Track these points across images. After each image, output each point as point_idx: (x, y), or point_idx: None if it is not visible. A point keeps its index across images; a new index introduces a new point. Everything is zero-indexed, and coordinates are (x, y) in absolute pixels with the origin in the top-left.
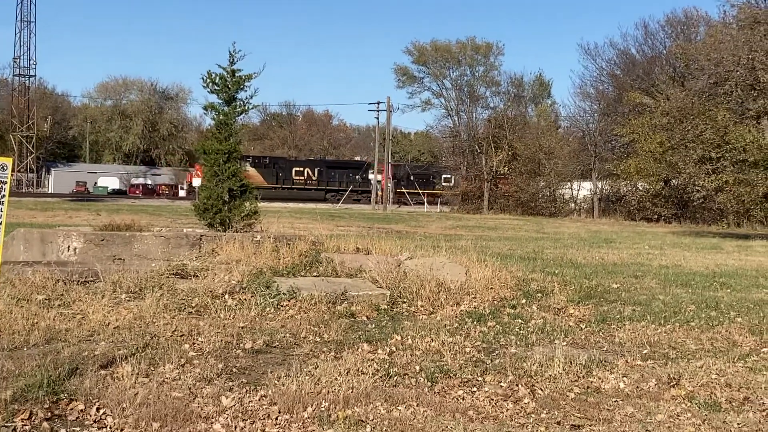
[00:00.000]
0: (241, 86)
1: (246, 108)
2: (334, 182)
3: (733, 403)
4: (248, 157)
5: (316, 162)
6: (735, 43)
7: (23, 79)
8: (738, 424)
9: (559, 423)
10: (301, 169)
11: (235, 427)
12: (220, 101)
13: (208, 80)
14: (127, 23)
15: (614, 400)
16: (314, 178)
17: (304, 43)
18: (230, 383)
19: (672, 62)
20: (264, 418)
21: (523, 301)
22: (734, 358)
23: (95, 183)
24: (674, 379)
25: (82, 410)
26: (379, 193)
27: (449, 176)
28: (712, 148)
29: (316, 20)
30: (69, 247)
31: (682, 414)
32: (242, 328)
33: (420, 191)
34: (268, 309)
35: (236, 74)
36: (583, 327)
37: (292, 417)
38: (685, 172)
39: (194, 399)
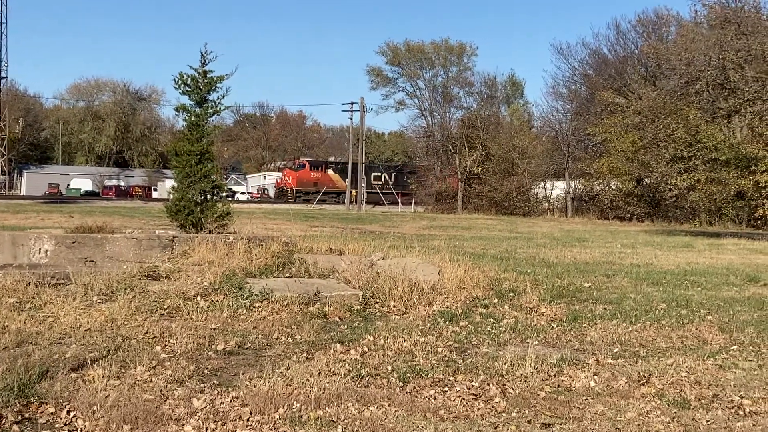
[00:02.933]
0: (213, 87)
1: (218, 109)
2: (408, 186)
3: (703, 401)
4: (332, 162)
5: (391, 167)
6: (706, 43)
7: None
8: (707, 421)
9: (529, 422)
10: (379, 174)
11: (207, 429)
12: (192, 102)
13: (180, 81)
14: (100, 24)
15: (585, 398)
16: (390, 182)
17: (277, 44)
18: (202, 385)
19: (644, 62)
20: (235, 420)
21: (496, 300)
22: (704, 356)
23: (68, 185)
24: (644, 377)
25: (52, 413)
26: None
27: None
28: (684, 147)
29: (289, 21)
30: (40, 249)
31: (651, 412)
32: (214, 329)
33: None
34: (240, 310)
35: (208, 75)
36: (555, 326)
37: (263, 418)
38: (657, 171)
39: (165, 401)
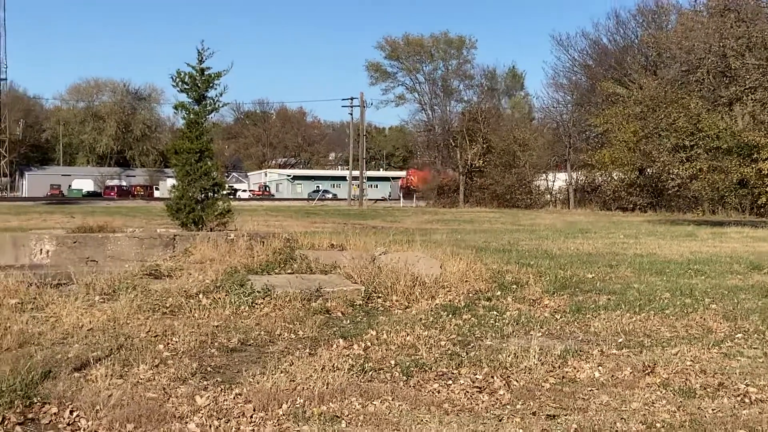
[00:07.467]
0: (211, 84)
1: (216, 106)
2: None
3: (708, 390)
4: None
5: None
6: (706, 31)
7: None
8: (713, 410)
9: (534, 413)
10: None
11: (210, 426)
12: (190, 100)
13: (178, 79)
14: (99, 24)
15: (589, 389)
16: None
17: (276, 42)
18: (205, 382)
19: (644, 51)
20: (239, 417)
21: (498, 293)
22: (709, 345)
23: (69, 186)
24: (649, 366)
25: (55, 413)
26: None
27: None
28: (686, 136)
29: (288, 18)
30: (41, 250)
31: (656, 401)
32: (217, 327)
33: None
34: (242, 307)
35: (205, 72)
36: (558, 317)
37: (267, 414)
38: (659, 160)
39: (168, 399)
